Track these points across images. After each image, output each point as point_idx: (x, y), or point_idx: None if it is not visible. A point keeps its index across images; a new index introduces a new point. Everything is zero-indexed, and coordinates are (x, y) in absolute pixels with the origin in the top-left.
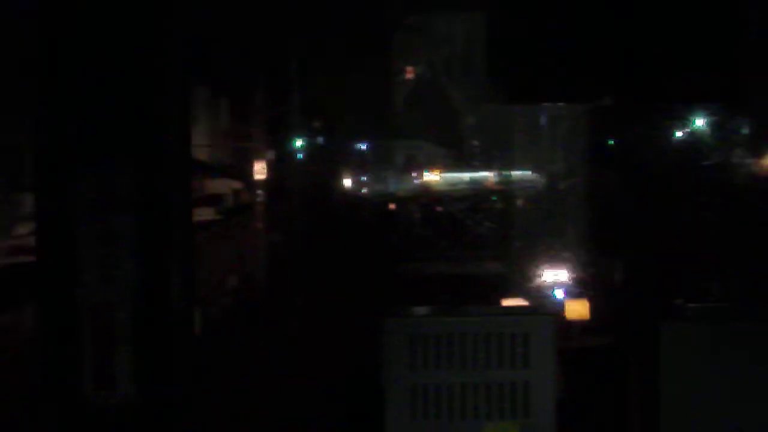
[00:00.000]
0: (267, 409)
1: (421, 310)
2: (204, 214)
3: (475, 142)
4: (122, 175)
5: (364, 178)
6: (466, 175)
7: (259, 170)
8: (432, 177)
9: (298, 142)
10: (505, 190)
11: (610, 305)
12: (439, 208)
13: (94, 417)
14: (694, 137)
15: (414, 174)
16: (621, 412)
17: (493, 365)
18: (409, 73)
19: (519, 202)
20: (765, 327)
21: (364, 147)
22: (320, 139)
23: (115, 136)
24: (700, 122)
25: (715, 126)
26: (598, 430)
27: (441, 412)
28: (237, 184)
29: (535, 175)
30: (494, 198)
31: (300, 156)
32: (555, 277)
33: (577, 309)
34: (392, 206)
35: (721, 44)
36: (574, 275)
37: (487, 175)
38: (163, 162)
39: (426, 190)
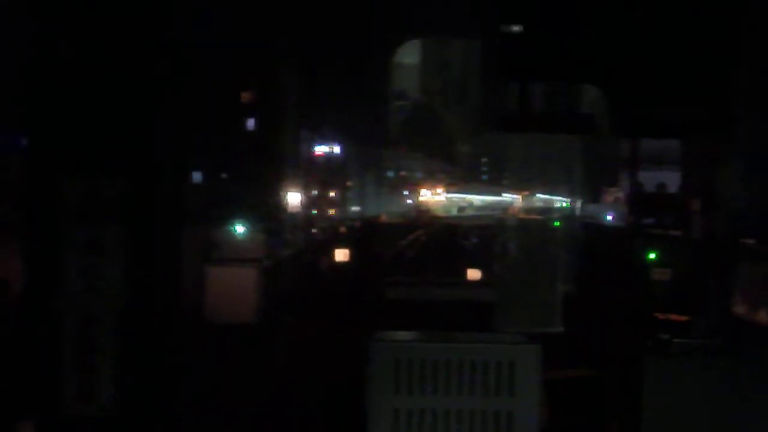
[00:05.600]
0: (250, 427)
1: (407, 335)
2: None
3: (484, 159)
4: (109, 187)
5: (333, 194)
6: (478, 198)
7: None
8: (432, 197)
9: None
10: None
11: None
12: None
13: (74, 427)
14: None
15: (406, 192)
16: None
17: (477, 393)
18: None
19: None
20: (747, 363)
21: (337, 151)
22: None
23: (103, 147)
24: None
25: None
26: None
27: None
28: None
29: (568, 200)
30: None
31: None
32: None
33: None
34: (325, 260)
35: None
36: None
37: (512, 199)
38: (151, 175)
39: (422, 216)
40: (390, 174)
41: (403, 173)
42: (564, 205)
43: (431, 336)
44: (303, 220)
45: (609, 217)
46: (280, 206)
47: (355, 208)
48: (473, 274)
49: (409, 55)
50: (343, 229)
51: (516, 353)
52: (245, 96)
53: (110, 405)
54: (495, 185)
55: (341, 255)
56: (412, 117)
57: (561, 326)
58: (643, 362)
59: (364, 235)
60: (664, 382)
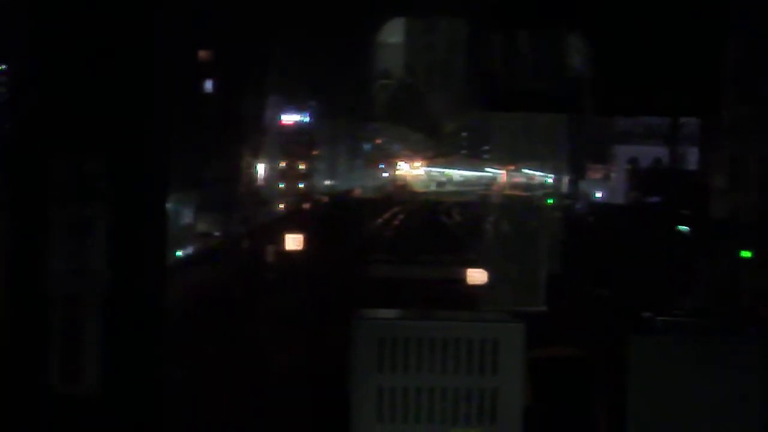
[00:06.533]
0: (234, 409)
1: (389, 312)
2: None
3: (464, 133)
4: (95, 164)
5: (302, 167)
6: (458, 173)
7: None
8: (410, 170)
9: None
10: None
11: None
12: None
13: (60, 408)
14: None
15: (382, 165)
16: (588, 423)
17: (461, 371)
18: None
19: None
20: (732, 340)
21: (306, 119)
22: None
23: (88, 123)
24: None
25: None
26: None
27: (407, 417)
28: None
29: (550, 177)
30: None
31: None
32: None
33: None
34: (272, 248)
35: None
36: None
37: (497, 174)
38: (137, 151)
39: (399, 191)
40: (367, 147)
41: (378, 141)
42: (549, 181)
43: (414, 314)
44: (263, 194)
45: (598, 195)
46: (237, 179)
47: (326, 182)
48: (476, 275)
49: (394, 34)
50: (307, 206)
51: (500, 331)
52: (203, 54)
53: (97, 385)
54: (476, 159)
55: (293, 242)
56: (396, 96)
57: (544, 305)
58: (628, 340)
59: (330, 214)
60: (649, 360)
